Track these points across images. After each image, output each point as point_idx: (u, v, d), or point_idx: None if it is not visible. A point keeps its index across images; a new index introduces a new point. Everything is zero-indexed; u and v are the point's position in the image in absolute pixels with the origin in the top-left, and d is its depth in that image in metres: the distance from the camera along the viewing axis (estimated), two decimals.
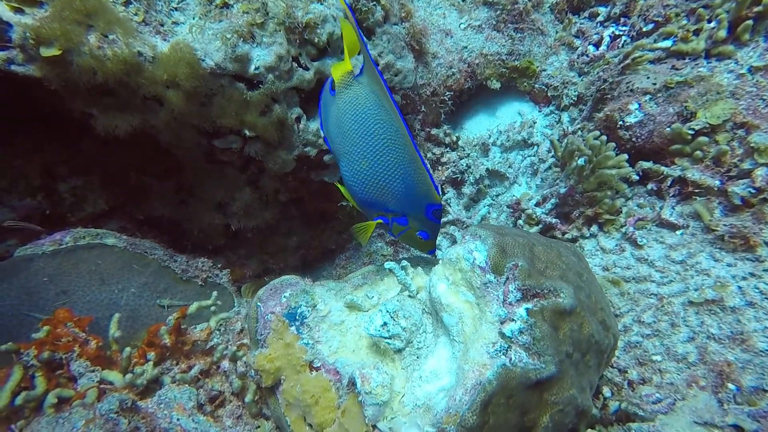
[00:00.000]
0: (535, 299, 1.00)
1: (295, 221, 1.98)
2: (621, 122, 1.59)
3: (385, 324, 1.11)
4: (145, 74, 1.27)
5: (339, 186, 1.34)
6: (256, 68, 1.39)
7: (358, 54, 1.25)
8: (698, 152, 1.45)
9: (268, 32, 1.40)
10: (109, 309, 1.44)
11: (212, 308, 1.44)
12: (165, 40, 1.34)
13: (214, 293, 1.50)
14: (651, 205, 1.56)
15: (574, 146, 1.57)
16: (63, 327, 1.11)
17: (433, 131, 2.16)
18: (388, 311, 1.13)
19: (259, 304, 1.25)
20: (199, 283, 1.66)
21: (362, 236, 1.24)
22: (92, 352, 1.11)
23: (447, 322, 1.06)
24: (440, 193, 1.18)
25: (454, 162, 2.16)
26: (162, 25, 1.35)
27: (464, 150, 2.19)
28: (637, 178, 1.60)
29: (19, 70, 1.16)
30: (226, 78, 1.37)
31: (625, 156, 1.55)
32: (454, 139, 2.20)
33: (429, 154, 2.18)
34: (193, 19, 1.38)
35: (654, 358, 1.30)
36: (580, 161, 1.54)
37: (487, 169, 2.10)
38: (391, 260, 2.07)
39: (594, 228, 1.63)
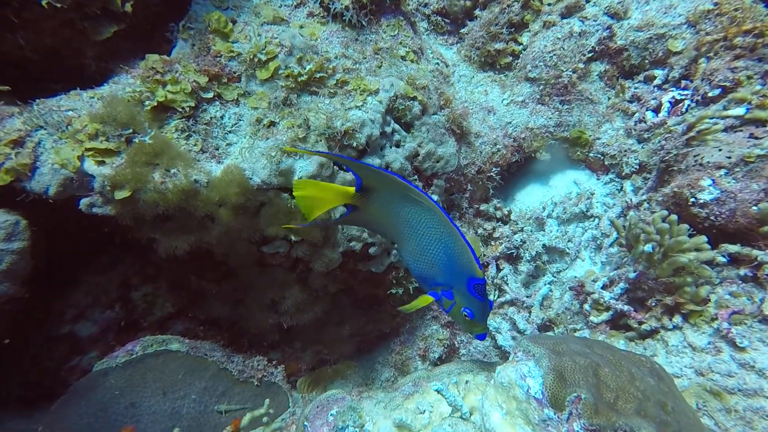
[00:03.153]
0: None
1: (347, 310, 1.97)
2: (693, 199, 1.42)
3: None
4: (200, 198, 1.38)
5: None
6: (299, 179, 1.46)
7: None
8: None
9: (310, 144, 1.48)
10: (172, 419, 1.50)
11: (264, 419, 1.44)
12: (219, 162, 1.46)
13: (266, 401, 1.50)
14: (748, 295, 1.33)
15: (638, 230, 1.42)
16: None
17: (482, 207, 2.10)
18: None
19: (306, 423, 1.22)
20: (255, 383, 1.69)
21: (409, 306, 1.24)
22: None
23: None
24: (482, 268, 1.17)
25: (507, 237, 2.06)
26: (217, 149, 1.48)
27: (517, 224, 2.09)
28: (725, 260, 1.39)
29: (99, 211, 1.32)
30: (272, 191, 1.45)
31: (704, 238, 1.36)
32: (506, 212, 2.12)
33: (480, 230, 2.11)
34: (245, 138, 1.50)
35: None
36: (648, 248, 1.38)
37: (544, 245, 1.97)
38: (442, 361, 1.97)
39: (678, 319, 1.42)
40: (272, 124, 1.50)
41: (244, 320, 1.78)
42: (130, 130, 1.33)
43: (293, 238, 1.54)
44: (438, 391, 1.12)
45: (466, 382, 1.23)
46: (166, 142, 1.36)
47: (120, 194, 1.26)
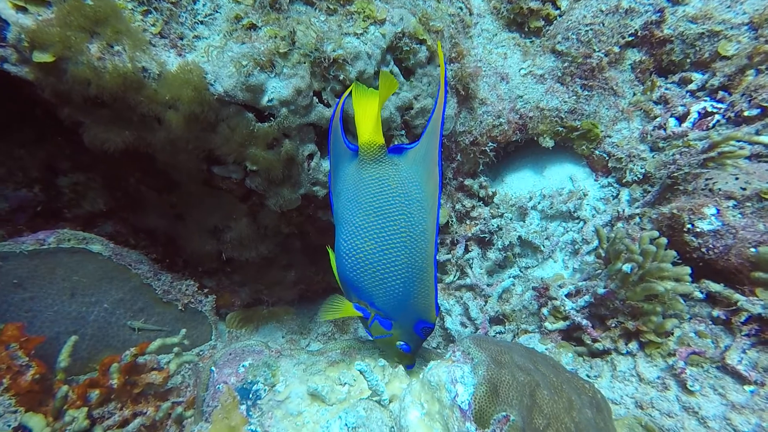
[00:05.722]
0: None
1: (297, 255, 1.83)
2: (690, 226, 1.29)
3: None
4: (145, 92, 1.15)
5: (330, 251, 1.17)
6: (270, 100, 1.24)
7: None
8: None
9: (291, 63, 1.25)
10: (75, 324, 1.36)
11: (175, 349, 1.32)
12: (180, 55, 1.23)
13: (183, 331, 1.38)
14: (714, 338, 1.24)
15: (621, 246, 1.29)
16: (4, 349, 1.02)
17: (467, 181, 1.93)
18: (347, 425, 0.94)
19: (213, 369, 1.11)
20: (180, 307, 1.56)
21: (329, 314, 1.06)
22: (24, 385, 1.01)
23: None
24: (438, 314, 1.02)
25: (484, 219, 1.92)
26: (181, 39, 1.24)
27: (499, 208, 1.94)
28: (702, 297, 1.29)
29: (12, 69, 1.08)
30: (234, 106, 1.24)
31: (688, 269, 1.25)
32: (490, 193, 1.96)
33: (458, 206, 1.96)
34: (218, 35, 1.26)
35: None
36: (626, 268, 1.26)
37: (520, 237, 1.84)
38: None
39: (633, 345, 1.34)
40: (253, 27, 1.25)
41: (182, 239, 1.62)
42: None
43: (249, 166, 1.35)
44: (361, 372, 1.00)
45: (394, 368, 1.12)
46: (113, 8, 1.11)
47: (40, 57, 1.03)
